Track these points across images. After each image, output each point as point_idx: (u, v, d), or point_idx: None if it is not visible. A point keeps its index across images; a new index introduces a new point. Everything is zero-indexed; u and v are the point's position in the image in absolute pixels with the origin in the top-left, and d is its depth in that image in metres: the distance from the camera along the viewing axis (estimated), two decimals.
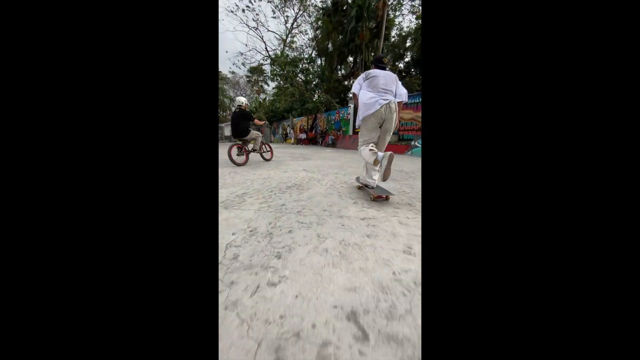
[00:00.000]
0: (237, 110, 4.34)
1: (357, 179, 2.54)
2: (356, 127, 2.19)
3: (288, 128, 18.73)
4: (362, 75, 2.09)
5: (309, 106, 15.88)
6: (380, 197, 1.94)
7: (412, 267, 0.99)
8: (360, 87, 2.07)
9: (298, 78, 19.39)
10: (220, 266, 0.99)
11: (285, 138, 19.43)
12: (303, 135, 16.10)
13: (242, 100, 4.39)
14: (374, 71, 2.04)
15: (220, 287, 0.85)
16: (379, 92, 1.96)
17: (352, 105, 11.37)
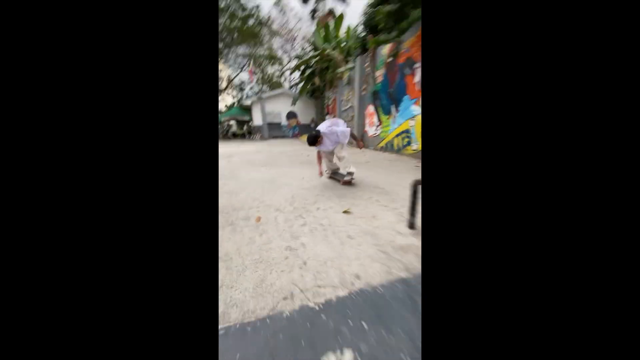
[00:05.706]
0: None
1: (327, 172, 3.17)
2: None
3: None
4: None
5: None
6: (347, 183, 2.74)
7: None
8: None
9: None
10: None
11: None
12: None
13: None
14: (328, 120, 2.85)
15: None
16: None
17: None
